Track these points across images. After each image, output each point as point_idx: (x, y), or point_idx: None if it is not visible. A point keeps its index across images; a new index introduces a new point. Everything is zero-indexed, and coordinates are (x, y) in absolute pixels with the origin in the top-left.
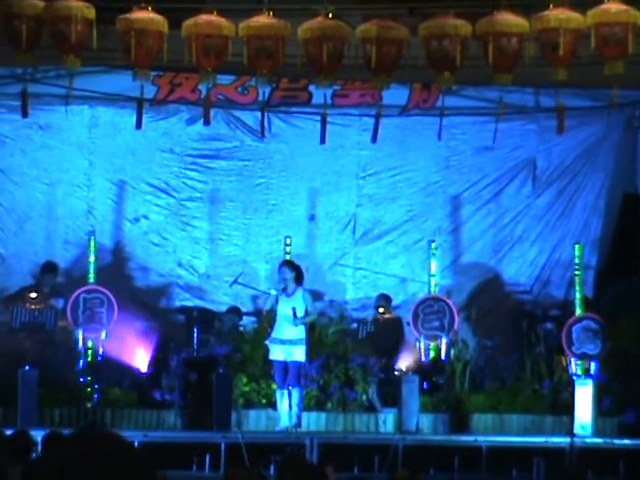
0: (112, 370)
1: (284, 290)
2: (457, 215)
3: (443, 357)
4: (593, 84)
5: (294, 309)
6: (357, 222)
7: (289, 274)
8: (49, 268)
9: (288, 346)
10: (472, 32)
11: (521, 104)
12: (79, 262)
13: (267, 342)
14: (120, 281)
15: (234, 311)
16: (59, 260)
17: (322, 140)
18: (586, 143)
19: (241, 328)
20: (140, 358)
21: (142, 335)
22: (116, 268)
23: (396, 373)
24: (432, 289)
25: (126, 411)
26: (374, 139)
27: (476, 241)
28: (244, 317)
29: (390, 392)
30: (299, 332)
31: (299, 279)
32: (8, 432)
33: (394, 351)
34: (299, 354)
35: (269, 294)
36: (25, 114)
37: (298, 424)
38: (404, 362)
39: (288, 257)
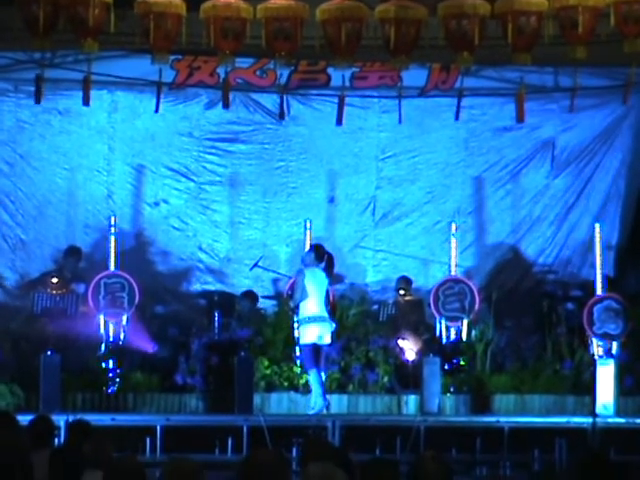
0: (133, 354)
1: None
2: (476, 196)
3: (464, 338)
4: (612, 63)
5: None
6: (377, 204)
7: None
8: (72, 252)
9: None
10: (491, 11)
11: (540, 84)
12: (99, 247)
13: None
14: (141, 266)
15: (249, 295)
16: (79, 245)
17: (338, 121)
18: (604, 123)
19: (262, 311)
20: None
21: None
22: (136, 253)
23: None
24: (452, 270)
25: (148, 395)
26: (400, 120)
27: (495, 222)
28: (262, 300)
29: (411, 374)
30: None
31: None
32: (30, 417)
33: (415, 333)
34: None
35: (289, 277)
36: (39, 100)
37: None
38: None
39: (309, 241)
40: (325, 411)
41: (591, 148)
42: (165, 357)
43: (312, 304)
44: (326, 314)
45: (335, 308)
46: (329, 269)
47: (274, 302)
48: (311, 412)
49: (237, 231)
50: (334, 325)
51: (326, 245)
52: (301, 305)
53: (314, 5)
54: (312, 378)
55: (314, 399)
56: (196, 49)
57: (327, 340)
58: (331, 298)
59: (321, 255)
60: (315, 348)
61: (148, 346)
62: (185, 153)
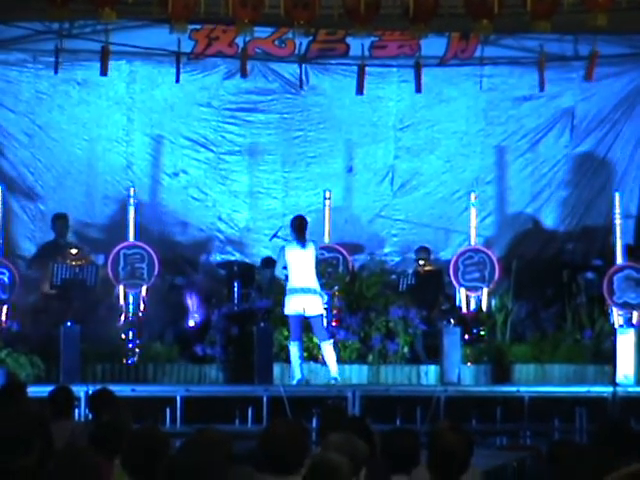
0: (153, 325)
1: None
2: (496, 165)
3: (484, 308)
4: (632, 31)
5: None
6: (395, 174)
7: None
8: (59, 217)
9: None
10: None
11: (560, 53)
12: (118, 218)
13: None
14: (160, 236)
15: (269, 263)
16: (98, 216)
17: (359, 91)
18: (624, 91)
19: (281, 282)
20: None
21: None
22: (156, 223)
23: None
24: (472, 240)
25: (168, 366)
26: (418, 89)
27: (515, 191)
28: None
29: (432, 344)
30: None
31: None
32: (50, 388)
33: (435, 303)
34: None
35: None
36: (57, 70)
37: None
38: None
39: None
40: (299, 383)
41: (611, 117)
42: (185, 328)
43: (295, 277)
44: (313, 285)
45: (354, 278)
46: (299, 233)
47: None
48: (294, 382)
49: (256, 201)
50: (324, 296)
51: (344, 215)
52: (289, 278)
53: None
54: (292, 349)
55: (294, 372)
56: (215, 18)
57: (314, 311)
58: (350, 267)
59: (296, 227)
60: (300, 320)
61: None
62: (204, 123)
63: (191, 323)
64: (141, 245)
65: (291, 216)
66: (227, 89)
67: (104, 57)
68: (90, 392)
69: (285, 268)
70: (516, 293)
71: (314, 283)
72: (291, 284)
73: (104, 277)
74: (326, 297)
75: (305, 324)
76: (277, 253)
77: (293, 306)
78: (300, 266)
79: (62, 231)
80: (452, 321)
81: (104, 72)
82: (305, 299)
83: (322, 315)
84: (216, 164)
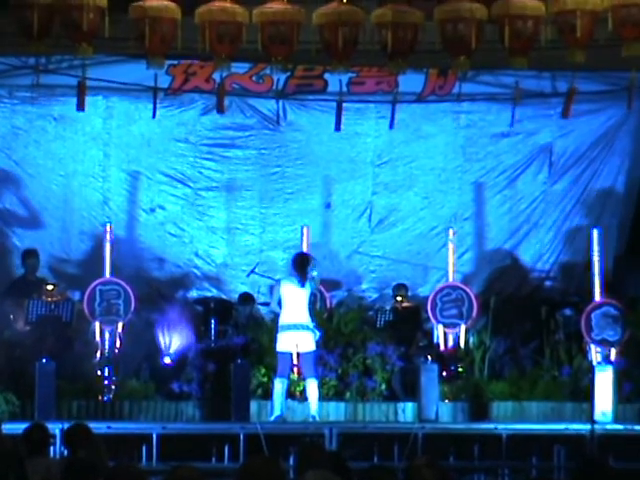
0: (129, 361)
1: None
2: (474, 202)
3: (462, 345)
4: (611, 67)
5: None
6: (373, 210)
7: None
8: (29, 254)
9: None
10: (488, 15)
11: (538, 89)
12: (95, 254)
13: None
14: (136, 272)
15: (247, 299)
16: (74, 252)
17: (337, 127)
18: (603, 128)
19: (259, 318)
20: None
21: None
22: (132, 259)
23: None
24: (450, 277)
25: (144, 403)
26: (392, 125)
27: (493, 227)
28: (260, 307)
29: (409, 381)
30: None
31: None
32: (25, 425)
33: (412, 339)
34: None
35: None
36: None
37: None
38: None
39: (305, 246)
40: (277, 419)
41: (589, 154)
42: (162, 364)
43: (288, 313)
44: (306, 322)
45: (332, 314)
46: (299, 271)
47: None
48: (271, 418)
49: (234, 237)
50: (317, 333)
51: (322, 251)
52: (281, 314)
53: (310, 9)
54: (276, 385)
55: (274, 407)
56: (192, 54)
57: (306, 347)
58: (328, 304)
59: (297, 264)
60: (290, 357)
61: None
62: (181, 159)
63: (166, 360)
64: (117, 281)
65: (270, 252)
66: (204, 125)
67: (81, 92)
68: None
69: (279, 303)
70: (494, 330)
71: (307, 319)
72: (283, 320)
73: (80, 313)
74: (319, 333)
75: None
76: (274, 287)
77: (285, 343)
78: (294, 303)
79: (32, 267)
80: (430, 358)
81: (81, 107)
82: (298, 335)
83: (313, 352)
84: (193, 200)
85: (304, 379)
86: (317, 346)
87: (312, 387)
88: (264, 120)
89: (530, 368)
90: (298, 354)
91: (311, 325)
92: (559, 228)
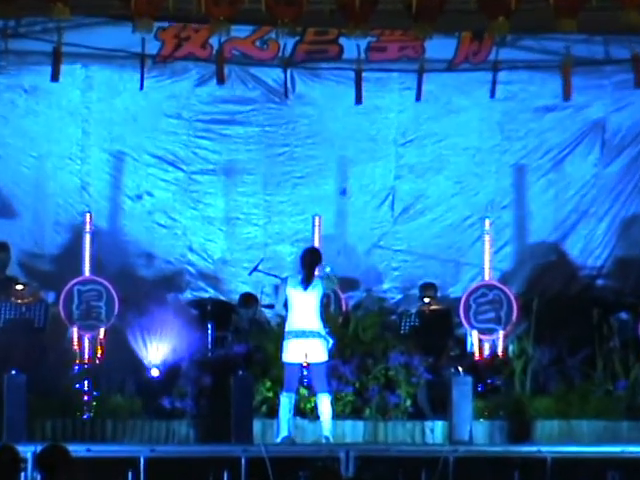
0: (112, 374)
1: None
2: (514, 187)
3: (500, 354)
4: None
5: None
6: (396, 196)
7: None
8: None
9: None
10: None
11: (588, 56)
12: (72, 248)
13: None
14: (121, 270)
15: (249, 300)
16: (48, 246)
17: (358, 100)
18: None
19: (263, 323)
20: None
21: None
22: (116, 255)
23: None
24: (486, 275)
25: (130, 422)
26: (418, 97)
27: (536, 217)
28: (264, 310)
29: (438, 396)
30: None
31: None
32: None
33: (442, 348)
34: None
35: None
36: None
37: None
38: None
39: (317, 239)
40: (284, 441)
41: None
42: (150, 377)
43: (295, 317)
44: (317, 328)
45: (348, 319)
46: (305, 270)
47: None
48: (277, 440)
49: (234, 229)
50: (330, 341)
51: (337, 244)
52: (287, 318)
53: None
54: (282, 401)
55: (280, 427)
56: (185, 16)
57: (317, 358)
58: (343, 307)
59: (306, 264)
60: (299, 369)
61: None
62: (172, 137)
63: (154, 372)
64: (98, 280)
65: (276, 247)
66: (199, 98)
67: (56, 60)
68: (38, 451)
69: (286, 305)
70: (537, 336)
71: (317, 325)
72: (290, 326)
73: (55, 317)
74: (332, 341)
75: None
76: (279, 286)
77: (292, 353)
78: (302, 306)
79: (1, 263)
80: (462, 369)
81: (56, 78)
82: (307, 344)
83: (325, 363)
84: (186, 185)
85: (315, 394)
86: (330, 356)
87: (324, 403)
88: (269, 92)
89: (579, 381)
90: (308, 365)
91: (323, 332)
92: (613, 217)
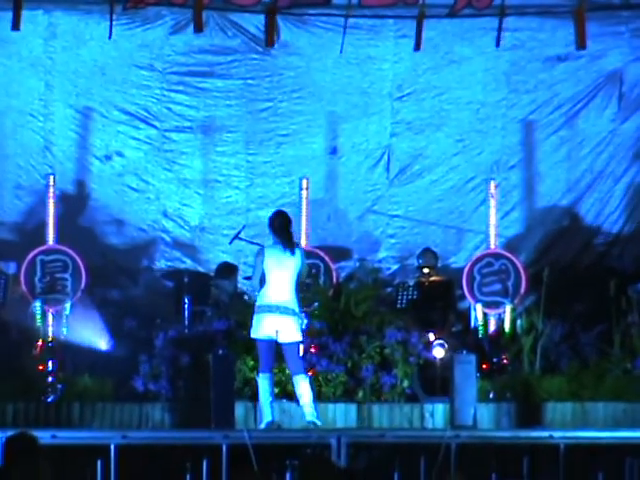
0: (80, 353)
1: None
2: (521, 145)
3: (507, 330)
4: None
5: None
6: (392, 156)
7: None
8: None
9: None
10: None
11: (604, 0)
12: (34, 213)
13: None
14: (88, 238)
15: (229, 271)
16: (8, 211)
17: (342, 49)
18: None
19: (245, 297)
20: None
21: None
22: (82, 221)
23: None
24: (491, 242)
25: (99, 405)
26: (416, 47)
27: (546, 179)
28: (245, 282)
29: (434, 377)
30: None
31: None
32: None
33: (443, 323)
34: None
35: None
36: None
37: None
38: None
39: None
40: (269, 426)
41: None
42: (121, 357)
43: (272, 290)
44: (291, 304)
45: (339, 291)
46: (282, 234)
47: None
48: (262, 426)
49: (212, 192)
50: (304, 320)
51: (326, 209)
52: (261, 291)
53: None
54: (261, 383)
55: (263, 412)
56: None
57: (289, 337)
58: (334, 278)
59: (276, 228)
60: (272, 345)
61: (101, 342)
62: (144, 91)
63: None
64: (64, 249)
65: (259, 212)
66: (174, 47)
67: (16, 5)
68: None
69: (262, 281)
70: (548, 310)
71: (291, 301)
72: (263, 300)
73: (16, 291)
74: (305, 321)
75: (277, 351)
76: (253, 258)
77: (264, 328)
78: (279, 278)
79: None
80: (466, 347)
81: (16, 26)
82: (279, 320)
83: (298, 343)
84: (160, 144)
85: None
86: (303, 336)
87: (303, 386)
88: (251, 41)
89: (594, 359)
90: (279, 345)
91: (297, 309)
92: (632, 179)
